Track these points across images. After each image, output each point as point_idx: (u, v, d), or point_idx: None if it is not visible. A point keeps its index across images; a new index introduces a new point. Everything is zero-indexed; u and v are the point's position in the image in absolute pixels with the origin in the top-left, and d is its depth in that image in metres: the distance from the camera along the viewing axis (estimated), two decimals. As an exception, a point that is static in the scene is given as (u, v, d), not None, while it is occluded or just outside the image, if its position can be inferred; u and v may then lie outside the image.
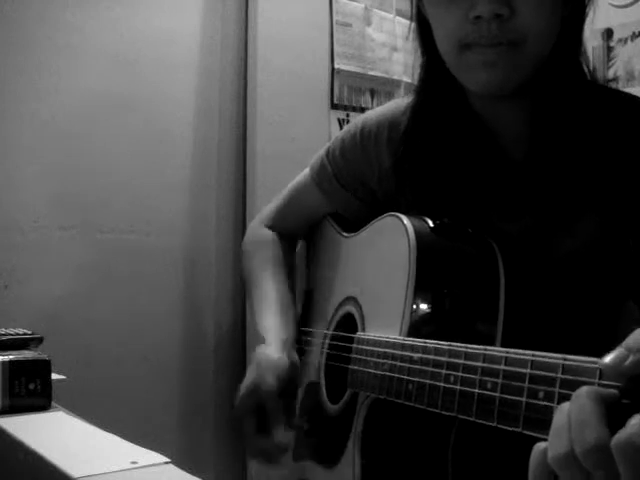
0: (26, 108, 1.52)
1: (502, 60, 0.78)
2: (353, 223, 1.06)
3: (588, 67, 0.86)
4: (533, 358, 0.56)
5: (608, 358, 0.46)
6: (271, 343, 0.99)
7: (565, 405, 0.47)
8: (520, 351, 0.58)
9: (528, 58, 0.79)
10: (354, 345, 0.89)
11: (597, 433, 0.43)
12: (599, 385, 0.48)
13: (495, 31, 0.77)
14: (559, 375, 0.52)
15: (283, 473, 1.05)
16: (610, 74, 1.95)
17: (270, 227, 1.17)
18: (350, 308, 0.95)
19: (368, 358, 0.84)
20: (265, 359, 0.97)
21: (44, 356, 0.90)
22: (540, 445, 0.47)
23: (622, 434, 0.41)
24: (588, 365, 0.50)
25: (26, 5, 1.52)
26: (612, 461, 0.42)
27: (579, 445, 0.43)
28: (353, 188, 1.05)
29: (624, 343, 0.45)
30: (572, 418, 0.45)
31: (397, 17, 2.13)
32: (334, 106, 1.98)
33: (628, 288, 0.83)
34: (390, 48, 2.11)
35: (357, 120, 1.05)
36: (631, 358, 0.45)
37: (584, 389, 0.45)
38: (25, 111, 1.52)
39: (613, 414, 0.44)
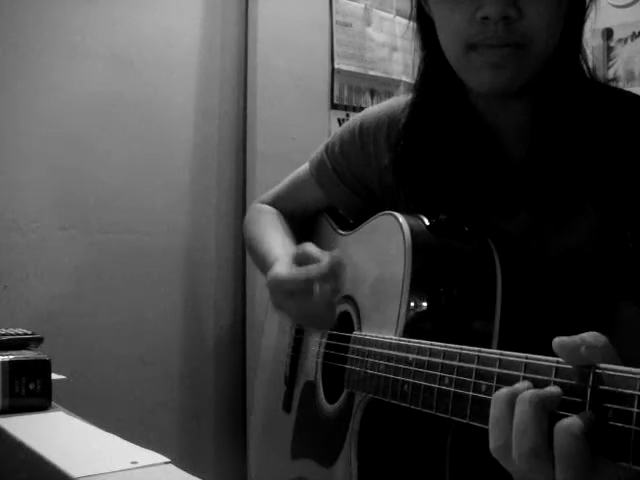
0: (26, 108, 1.53)
1: (508, 62, 0.78)
2: (350, 220, 1.06)
3: (587, 65, 0.86)
4: (527, 361, 0.56)
5: (562, 338, 0.50)
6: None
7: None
8: (514, 353, 0.58)
9: (533, 59, 0.80)
10: (350, 344, 0.89)
11: (533, 442, 0.47)
12: (592, 389, 0.48)
13: (502, 32, 0.77)
14: (552, 378, 0.52)
15: (282, 471, 1.05)
16: (610, 74, 1.95)
17: (269, 205, 1.20)
18: (346, 307, 0.95)
19: (364, 358, 0.84)
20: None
21: (44, 356, 0.90)
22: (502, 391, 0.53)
23: (562, 423, 0.46)
24: (582, 369, 0.50)
25: (25, 5, 1.52)
26: (548, 465, 0.46)
27: (515, 451, 0.47)
28: (351, 184, 1.06)
29: (583, 334, 0.49)
30: (514, 422, 0.48)
31: (397, 17, 2.13)
32: (334, 106, 1.98)
33: (626, 286, 0.83)
34: (390, 48, 2.11)
35: (356, 117, 1.06)
36: (582, 350, 0.48)
37: (527, 394, 0.49)
38: (25, 111, 1.53)
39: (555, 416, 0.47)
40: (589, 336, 0.50)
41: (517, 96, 0.84)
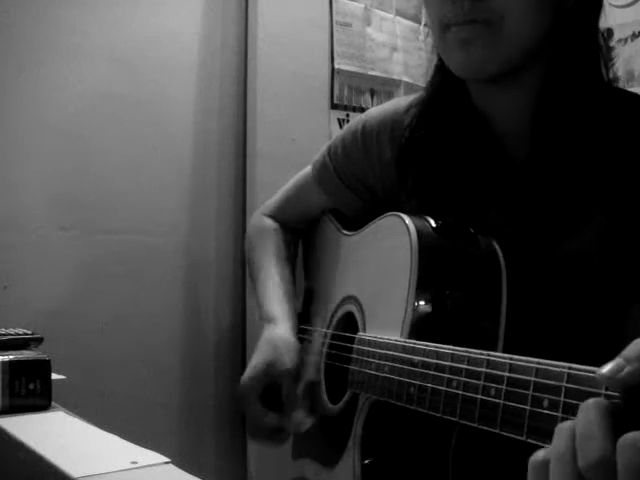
0: (26, 108, 1.52)
1: (478, 39, 0.79)
2: (354, 220, 1.06)
3: (607, 67, 0.86)
4: (538, 366, 0.55)
5: (605, 368, 0.45)
6: (281, 325, 1.00)
7: (565, 424, 0.46)
8: (524, 358, 0.57)
9: (506, 39, 0.79)
10: (355, 345, 0.88)
11: (603, 448, 0.43)
12: (605, 396, 0.47)
13: (468, 9, 0.78)
14: (564, 384, 0.52)
15: (283, 471, 1.05)
16: (610, 74, 1.94)
17: (271, 218, 1.19)
18: (351, 307, 0.95)
19: (369, 359, 0.83)
20: (280, 339, 0.98)
21: (44, 356, 0.90)
22: (539, 455, 0.47)
23: (627, 436, 0.41)
24: (594, 375, 0.49)
25: (26, 5, 1.51)
26: (615, 475, 0.42)
27: (583, 459, 0.43)
28: (354, 186, 1.05)
29: (622, 353, 0.45)
30: (578, 430, 0.44)
31: (397, 17, 2.13)
32: (334, 106, 1.98)
33: (635, 289, 0.83)
34: (390, 48, 2.11)
35: (359, 118, 1.05)
36: (627, 368, 0.44)
37: (591, 401, 0.45)
38: (25, 111, 1.52)
39: (619, 426, 0.44)
40: (630, 350, 0.45)
41: (518, 93, 0.84)
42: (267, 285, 1.10)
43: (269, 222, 1.18)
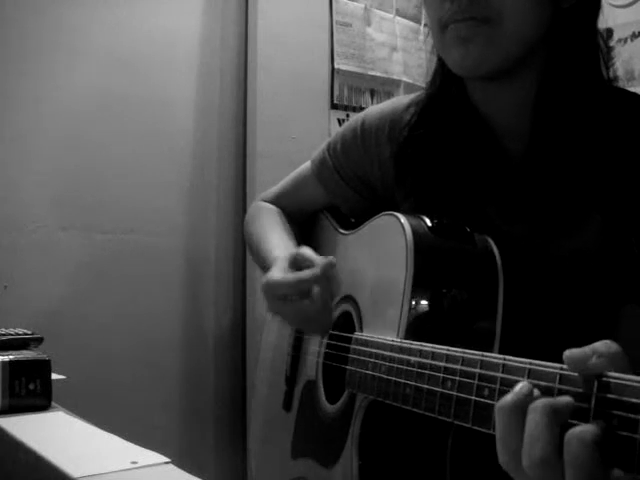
0: (27, 108, 1.53)
1: (476, 36, 0.79)
2: (351, 218, 1.06)
3: (607, 66, 0.86)
4: (530, 367, 0.55)
5: (572, 350, 0.48)
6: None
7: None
8: (518, 359, 0.58)
9: (505, 37, 0.79)
10: (352, 345, 0.89)
11: (545, 450, 0.46)
12: (596, 397, 0.48)
13: (466, 6, 0.78)
14: (556, 385, 0.52)
15: (282, 471, 1.05)
16: (610, 73, 1.94)
17: (271, 204, 1.20)
18: (347, 307, 0.95)
19: (366, 359, 0.83)
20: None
21: (44, 356, 0.90)
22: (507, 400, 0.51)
23: (574, 431, 0.45)
24: (587, 377, 0.50)
25: (26, 5, 1.52)
26: (558, 475, 0.45)
27: (527, 459, 0.47)
28: (353, 183, 1.06)
29: (595, 344, 0.48)
30: (525, 431, 0.48)
31: (397, 17, 2.13)
32: (334, 106, 1.98)
33: (629, 289, 0.83)
34: (390, 48, 2.11)
35: (358, 115, 1.06)
36: (593, 360, 0.48)
37: (540, 403, 0.48)
38: (25, 111, 1.53)
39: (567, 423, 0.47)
40: (601, 345, 0.49)
41: (515, 90, 0.84)
42: (268, 240, 1.09)
43: (269, 204, 1.19)
